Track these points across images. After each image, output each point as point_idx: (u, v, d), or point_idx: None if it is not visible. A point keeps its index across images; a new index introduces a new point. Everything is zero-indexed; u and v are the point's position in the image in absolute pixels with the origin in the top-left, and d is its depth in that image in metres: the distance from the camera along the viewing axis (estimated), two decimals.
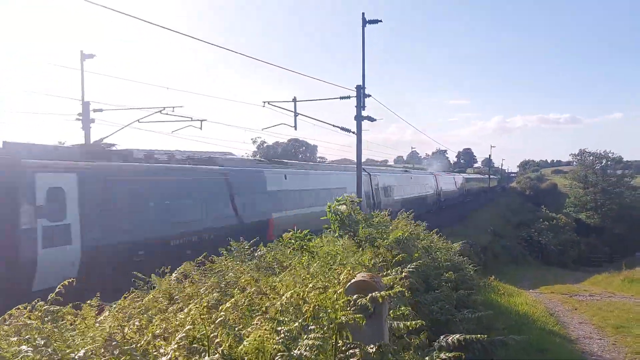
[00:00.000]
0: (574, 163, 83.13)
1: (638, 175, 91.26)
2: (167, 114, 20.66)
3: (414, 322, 3.82)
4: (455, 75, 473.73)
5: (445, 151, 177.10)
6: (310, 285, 3.32)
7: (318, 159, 59.44)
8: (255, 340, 2.87)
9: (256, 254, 7.63)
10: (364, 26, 21.11)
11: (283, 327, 2.86)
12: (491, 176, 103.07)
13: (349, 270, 3.44)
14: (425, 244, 8.86)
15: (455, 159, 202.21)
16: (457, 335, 4.28)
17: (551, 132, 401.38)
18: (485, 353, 5.94)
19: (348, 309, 3.19)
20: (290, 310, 3.20)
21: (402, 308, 4.36)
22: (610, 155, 73.74)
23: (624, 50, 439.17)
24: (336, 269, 4.15)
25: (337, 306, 3.17)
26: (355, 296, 3.13)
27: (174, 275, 7.08)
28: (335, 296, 3.26)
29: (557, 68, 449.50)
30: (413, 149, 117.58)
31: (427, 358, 3.89)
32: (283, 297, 3.19)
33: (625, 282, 20.11)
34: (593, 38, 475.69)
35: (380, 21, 21.27)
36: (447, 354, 3.83)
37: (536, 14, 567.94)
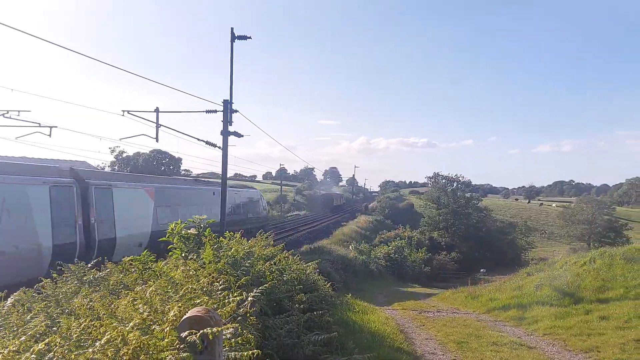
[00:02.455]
0: (429, 185, 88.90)
1: (484, 198, 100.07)
2: (10, 117, 18.81)
3: (250, 352, 3.68)
4: (325, 96, 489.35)
5: (313, 169, 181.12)
6: (131, 324, 3.06)
7: (182, 172, 57.50)
8: None
9: (97, 276, 7.12)
10: (232, 41, 20.97)
11: None
12: (355, 195, 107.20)
13: (180, 306, 3.23)
14: (282, 266, 8.80)
15: (322, 177, 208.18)
16: None
17: (410, 154, 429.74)
18: None
19: (178, 346, 2.98)
20: (109, 354, 2.90)
21: (243, 336, 4.19)
22: (460, 178, 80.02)
23: (475, 84, 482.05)
24: (174, 303, 3.90)
25: (163, 346, 2.95)
26: (184, 334, 2.93)
27: (9, 300, 6.38)
28: (162, 334, 3.03)
29: (416, 96, 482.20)
30: (282, 166, 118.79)
31: None
32: (97, 344, 2.90)
33: (469, 298, 21.48)
34: (447, 72, 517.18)
35: (250, 37, 21.26)
36: None
37: (394, 45, 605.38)
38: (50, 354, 3.41)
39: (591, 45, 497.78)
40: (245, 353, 3.71)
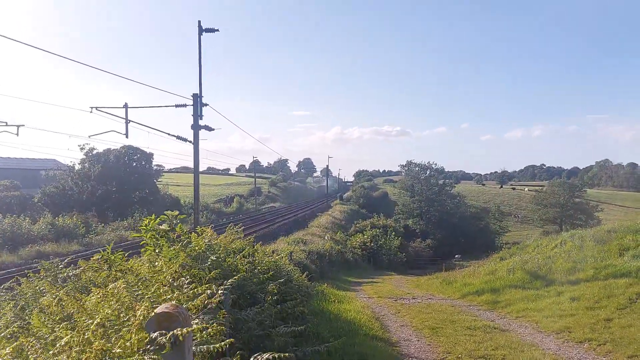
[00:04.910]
0: (403, 173, 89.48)
1: (457, 185, 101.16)
2: None
3: (223, 344, 3.62)
4: (298, 87, 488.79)
5: (287, 160, 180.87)
6: (95, 324, 2.97)
7: (155, 167, 56.75)
8: None
9: (70, 274, 6.97)
10: (200, 34, 20.65)
11: None
12: (329, 185, 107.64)
13: (147, 305, 3.14)
14: (254, 259, 8.73)
15: (297, 168, 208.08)
16: (268, 354, 4.17)
17: (384, 143, 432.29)
18: None
19: (147, 348, 2.91)
20: (74, 355, 2.81)
21: (214, 329, 4.11)
22: (433, 166, 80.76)
23: (447, 73, 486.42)
24: (142, 300, 3.80)
25: (131, 346, 2.86)
26: (154, 335, 2.84)
27: None
28: (129, 335, 2.94)
29: (389, 85, 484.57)
30: (255, 158, 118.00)
31: None
32: (57, 345, 2.80)
33: (444, 284, 21.65)
34: (421, 60, 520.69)
35: (217, 30, 20.93)
36: None
37: (369, 35, 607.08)
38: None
39: (561, 32, 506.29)
40: (213, 346, 3.65)
